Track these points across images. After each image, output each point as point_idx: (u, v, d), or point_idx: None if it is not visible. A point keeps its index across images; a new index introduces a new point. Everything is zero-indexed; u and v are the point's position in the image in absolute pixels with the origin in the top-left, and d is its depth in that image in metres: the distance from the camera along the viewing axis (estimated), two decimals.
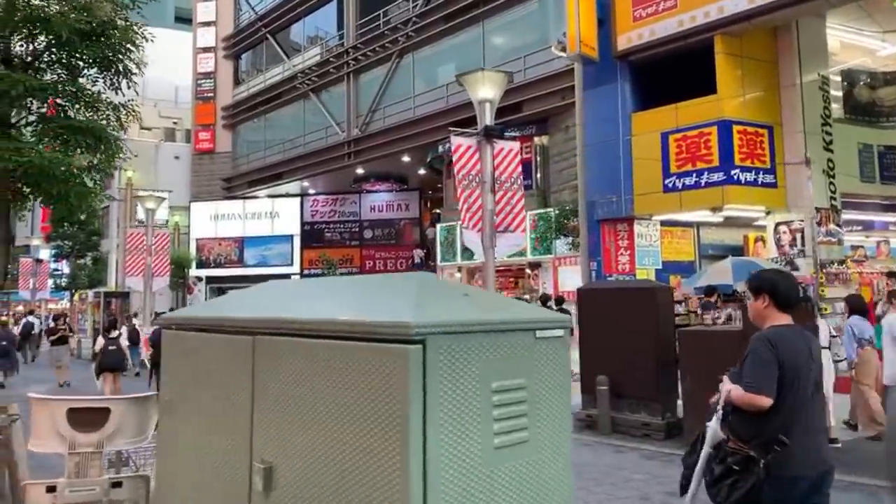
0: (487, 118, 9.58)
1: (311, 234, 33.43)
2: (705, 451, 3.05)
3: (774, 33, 12.27)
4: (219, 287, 34.96)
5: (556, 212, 15.57)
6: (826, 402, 3.23)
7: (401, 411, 1.47)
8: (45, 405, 3.33)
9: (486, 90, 9.53)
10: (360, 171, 28.73)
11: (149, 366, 14.35)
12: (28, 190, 4.00)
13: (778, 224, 12.08)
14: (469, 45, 22.51)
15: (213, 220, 34.13)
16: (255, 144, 33.10)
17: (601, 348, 7.94)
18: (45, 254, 34.02)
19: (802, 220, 11.80)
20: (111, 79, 4.27)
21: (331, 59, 27.88)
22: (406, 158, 25.91)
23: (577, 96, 14.66)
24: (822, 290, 11.67)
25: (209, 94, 34.88)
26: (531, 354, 1.74)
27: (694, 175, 11.81)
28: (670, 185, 12.20)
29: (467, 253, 22.29)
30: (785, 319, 3.08)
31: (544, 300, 14.66)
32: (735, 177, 11.48)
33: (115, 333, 12.52)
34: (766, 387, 2.86)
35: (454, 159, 9.57)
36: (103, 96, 4.27)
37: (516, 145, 9.84)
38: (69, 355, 15.42)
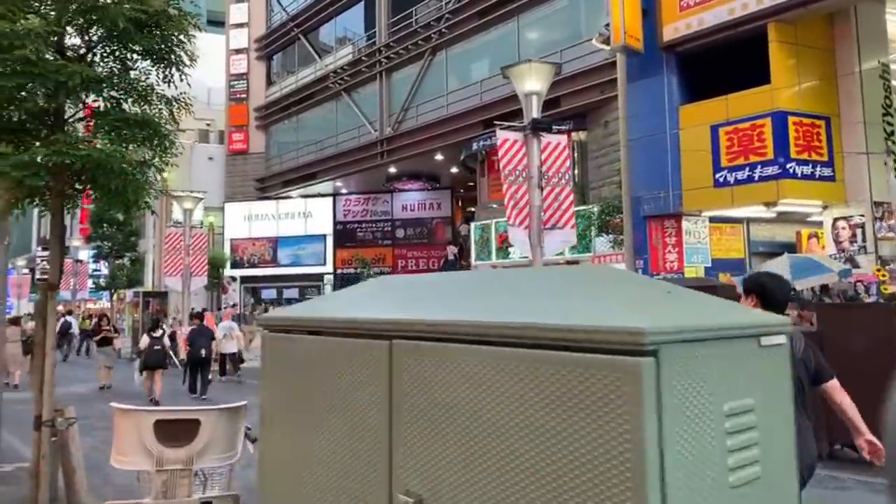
0: (534, 111, 9.28)
1: (344, 234, 33.47)
2: None
3: (831, 20, 11.73)
4: (253, 287, 35.32)
5: (598, 208, 15.16)
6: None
7: (630, 444, 1.16)
8: (130, 417, 3.01)
9: (533, 82, 9.24)
10: (392, 170, 28.61)
11: (180, 365, 14.57)
12: (81, 186, 3.88)
13: (836, 219, 11.55)
14: (503, 41, 22.19)
15: (247, 221, 34.39)
16: (287, 145, 33.24)
17: None
18: (83, 254, 34.73)
19: (862, 215, 11.25)
20: (163, 71, 4.15)
21: (362, 58, 27.80)
22: (439, 157, 25.70)
23: (619, 89, 14.26)
24: (885, 288, 11.10)
25: (242, 96, 35.14)
26: (757, 367, 1.42)
27: (747, 169, 11.34)
28: (721, 179, 11.75)
29: (502, 252, 21.99)
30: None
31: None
32: (791, 170, 10.99)
33: (158, 332, 12.87)
34: None
35: (500, 154, 9.29)
36: (156, 89, 4.16)
37: (564, 139, 9.54)
38: (114, 356, 15.37)
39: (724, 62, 12.00)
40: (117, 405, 3.01)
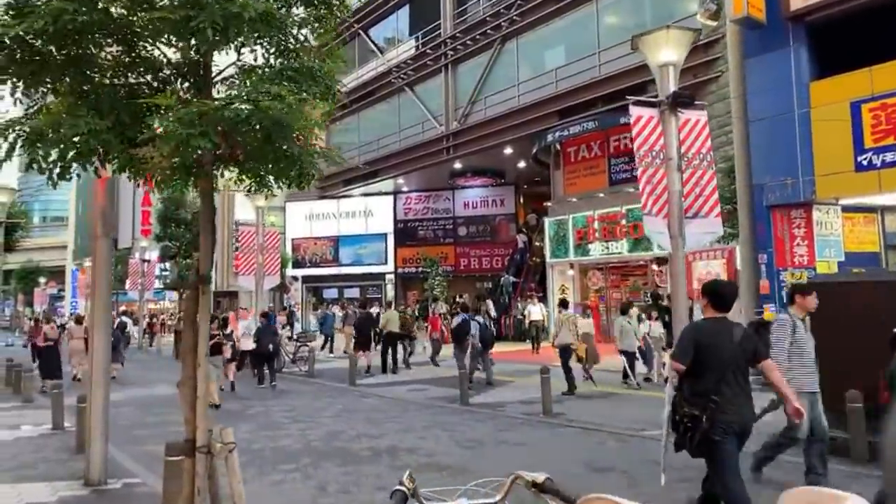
0: (671, 84, 8.21)
1: (405, 232, 32.83)
2: (666, 410, 4.44)
3: None
4: (314, 287, 35.02)
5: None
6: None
7: None
8: None
9: (669, 52, 8.17)
10: (457, 165, 27.75)
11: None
12: (244, 156, 3.15)
13: None
14: (580, 26, 21.03)
15: (308, 220, 34.11)
16: (348, 143, 32.73)
17: (848, 357, 6.45)
18: (146, 254, 35.05)
19: None
20: (316, 16, 3.42)
21: (427, 50, 27.01)
22: (508, 150, 24.71)
23: (732, 67, 13.05)
24: None
25: None
26: None
27: None
28: (865, 162, 10.42)
29: (581, 248, 20.87)
30: (717, 314, 4.26)
31: (624, 309, 13.08)
32: None
33: (228, 330, 13.94)
34: (681, 357, 4.20)
35: (633, 133, 8.27)
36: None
37: (704, 115, 8.44)
38: (227, 367, 13.57)
39: (862, 31, 10.67)
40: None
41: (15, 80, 3.30)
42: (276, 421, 9.62)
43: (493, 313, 22.25)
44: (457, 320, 13.75)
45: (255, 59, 3.45)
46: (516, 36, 23.11)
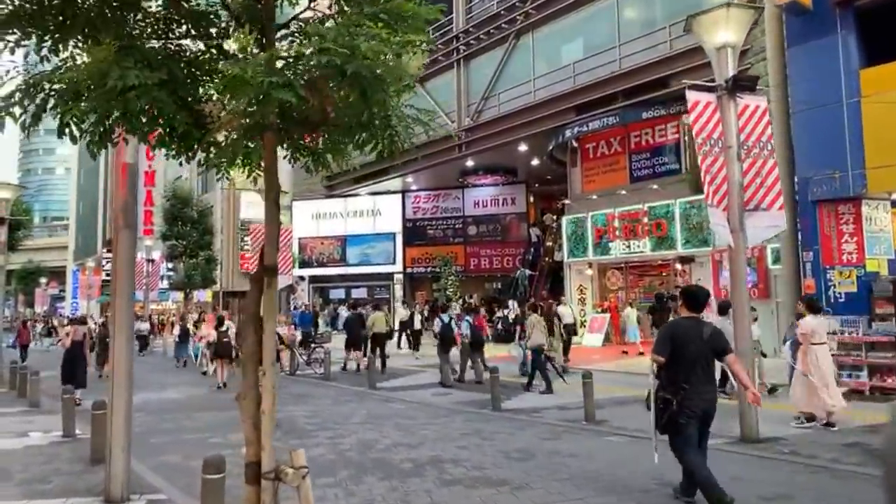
0: (730, 68, 7.64)
1: (414, 232, 32.24)
2: (651, 396, 5.33)
3: None
4: (321, 287, 34.41)
5: None
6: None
7: None
8: None
9: (728, 32, 7.61)
10: (469, 163, 27.17)
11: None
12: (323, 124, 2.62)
13: None
14: (599, 19, 20.47)
15: (315, 220, 33.52)
16: None
17: None
18: (151, 253, 34.46)
19: None
20: None
21: (438, 45, 26.40)
22: (522, 148, 24.09)
23: (771, 55, 12.51)
24: None
25: None
26: None
27: None
28: None
29: (600, 248, 20.28)
30: (691, 314, 5.22)
31: (723, 309, 12.25)
32: None
33: (224, 328, 14.59)
34: (660, 351, 5.07)
35: (692, 120, 7.70)
36: None
37: (764, 101, 7.87)
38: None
39: None
40: None
41: (41, 32, 2.73)
42: (301, 428, 9.04)
43: (516, 311, 21.74)
44: (439, 322, 14.47)
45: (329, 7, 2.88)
46: (532, 30, 22.54)
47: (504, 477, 6.18)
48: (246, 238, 32.76)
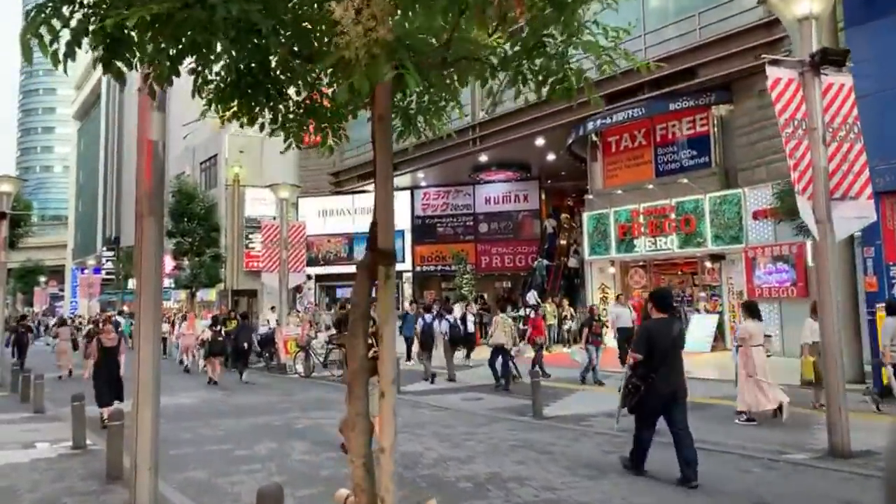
0: (813, 42, 6.90)
1: (423, 229, 31.49)
2: (624, 382, 6.21)
3: None
4: (328, 286, 33.62)
5: (780, 187, 12.48)
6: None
7: None
8: None
9: (813, 2, 6.86)
10: (483, 158, 26.41)
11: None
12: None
13: None
14: (623, 6, 19.55)
15: (322, 217, 32.76)
16: (364, 135, 31.31)
17: None
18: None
19: None
20: None
21: None
22: (539, 142, 23.37)
23: (824, 39, 11.70)
24: None
25: None
26: None
27: None
28: None
29: (625, 245, 19.54)
30: (661, 315, 6.11)
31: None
32: None
33: (218, 328, 15.27)
34: (641, 350, 5.94)
35: (773, 98, 6.94)
36: None
37: (849, 79, 7.13)
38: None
39: None
40: None
41: None
42: (332, 438, 8.26)
43: (533, 302, 21.14)
44: (421, 323, 15.07)
45: None
46: None
47: (587, 501, 5.43)
48: (251, 236, 32.03)
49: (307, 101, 3.49)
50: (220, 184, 34.20)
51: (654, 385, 5.78)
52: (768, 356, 8.72)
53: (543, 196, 30.64)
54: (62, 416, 10.71)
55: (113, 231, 54.74)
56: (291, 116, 3.57)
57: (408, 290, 31.08)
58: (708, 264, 18.18)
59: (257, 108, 2.90)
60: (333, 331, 25.45)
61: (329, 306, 32.23)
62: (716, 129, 17.89)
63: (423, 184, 31.22)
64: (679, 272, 20.39)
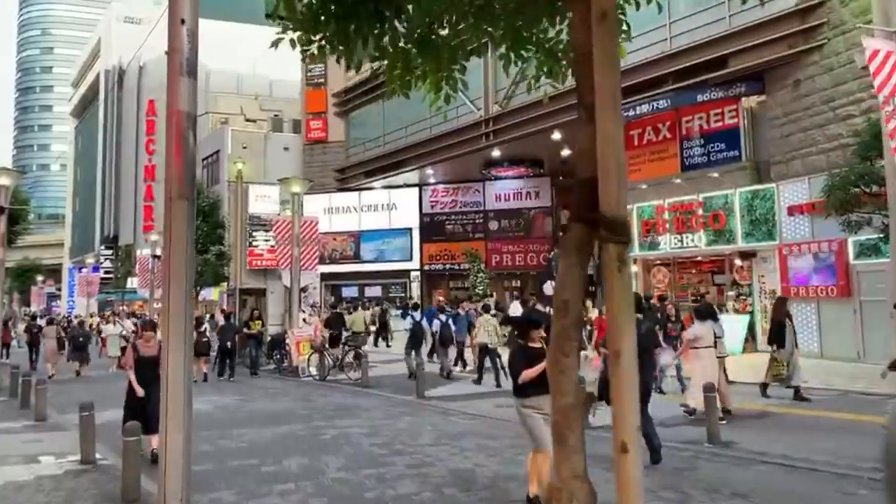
0: None
1: (431, 227, 30.75)
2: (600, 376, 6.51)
3: None
4: (333, 284, 32.83)
5: (840, 176, 11.72)
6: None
7: None
8: None
9: None
10: (495, 153, 25.64)
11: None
12: None
13: None
14: None
15: (327, 214, 31.95)
16: (371, 131, 30.63)
17: None
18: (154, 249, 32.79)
19: None
20: None
21: None
22: (556, 136, 22.59)
23: (878, 18, 10.98)
24: None
25: (320, 80, 32.72)
26: None
27: None
28: None
29: (647, 242, 18.80)
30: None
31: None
32: None
33: (202, 327, 15.45)
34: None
35: (871, 71, 6.21)
36: None
37: None
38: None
39: None
40: None
41: None
42: (368, 452, 7.52)
43: (550, 292, 20.43)
44: (406, 322, 15.61)
45: None
46: None
47: None
48: (254, 234, 31.21)
49: (421, 33, 2.74)
50: (223, 180, 33.37)
51: None
52: (721, 357, 9.07)
53: (556, 193, 29.92)
54: (66, 425, 9.95)
55: (111, 230, 53.88)
56: (400, 52, 2.81)
57: (416, 289, 30.35)
58: (737, 262, 17.45)
59: (355, 41, 2.17)
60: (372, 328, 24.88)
61: (334, 305, 31.46)
62: (746, 122, 17.17)
63: (431, 180, 30.46)
64: (709, 270, 19.59)
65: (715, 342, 8.88)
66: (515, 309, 20.90)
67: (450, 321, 15.13)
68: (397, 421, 9.54)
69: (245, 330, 16.27)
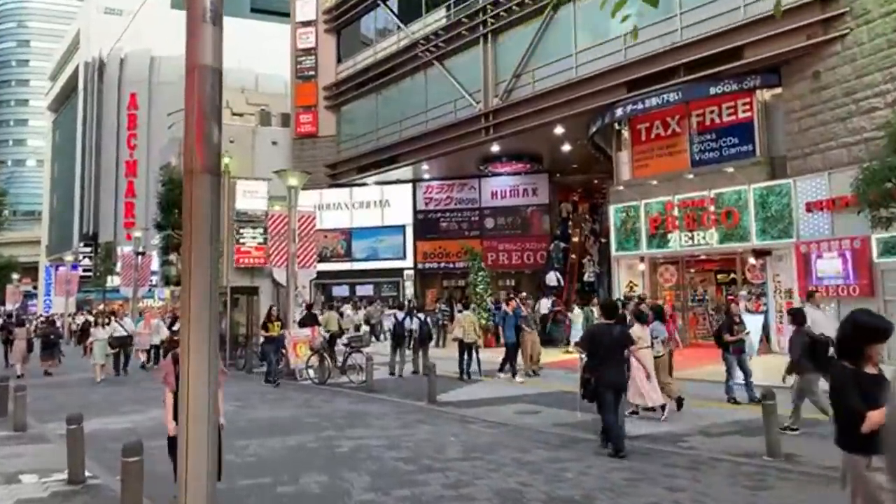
0: None
1: (425, 224, 29.99)
2: (581, 376, 7.73)
3: None
4: (323, 283, 31.89)
5: (872, 170, 11.17)
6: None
7: None
8: None
9: None
10: (495, 148, 24.92)
11: None
12: None
13: None
14: None
15: (318, 210, 30.90)
16: (364, 125, 29.76)
17: None
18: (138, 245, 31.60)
19: None
20: None
21: (462, 19, 24.17)
22: (558, 130, 21.96)
23: None
24: None
25: (310, 73, 31.77)
26: None
27: None
28: None
29: (657, 239, 18.21)
30: (606, 321, 7.57)
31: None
32: None
33: (176, 327, 14.58)
34: (583, 346, 7.59)
35: None
36: None
37: None
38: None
39: None
40: None
41: None
42: (393, 468, 6.74)
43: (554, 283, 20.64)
44: (389, 321, 16.10)
45: None
46: None
47: None
48: (242, 231, 30.18)
49: None
50: None
51: (601, 377, 7.13)
52: (659, 356, 9.42)
53: (554, 190, 29.28)
54: (48, 436, 9.04)
55: (91, 227, 52.32)
56: None
57: (409, 288, 29.56)
58: (751, 261, 16.91)
59: None
60: (366, 328, 24.02)
61: (324, 305, 30.55)
62: (760, 115, 16.63)
63: (425, 177, 29.69)
64: (718, 269, 19.07)
65: (651, 343, 9.34)
66: (544, 306, 20.42)
67: (427, 319, 15.66)
68: (415, 430, 8.76)
69: (263, 333, 14.60)
